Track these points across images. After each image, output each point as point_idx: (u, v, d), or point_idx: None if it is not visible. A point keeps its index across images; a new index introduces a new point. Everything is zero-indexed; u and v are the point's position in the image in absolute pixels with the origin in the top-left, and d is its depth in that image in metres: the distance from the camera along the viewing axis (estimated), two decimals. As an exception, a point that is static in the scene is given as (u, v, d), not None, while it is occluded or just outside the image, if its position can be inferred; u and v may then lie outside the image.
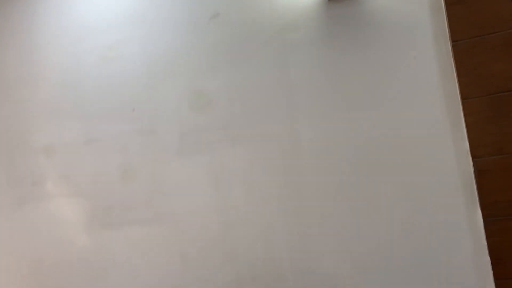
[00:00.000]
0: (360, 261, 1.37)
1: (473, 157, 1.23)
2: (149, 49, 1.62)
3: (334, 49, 1.42)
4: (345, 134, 1.40)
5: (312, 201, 1.42)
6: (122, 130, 1.61)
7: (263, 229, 1.44)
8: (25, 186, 1.71)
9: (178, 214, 1.53)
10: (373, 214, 1.37)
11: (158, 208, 1.55)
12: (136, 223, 1.57)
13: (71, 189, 1.65)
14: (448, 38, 1.29)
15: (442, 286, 1.30)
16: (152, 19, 1.63)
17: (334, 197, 1.40)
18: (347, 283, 1.37)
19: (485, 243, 1.22)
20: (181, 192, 1.54)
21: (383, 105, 1.37)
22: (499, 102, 1.21)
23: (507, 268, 1.20)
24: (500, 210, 1.20)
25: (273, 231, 1.43)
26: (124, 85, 1.64)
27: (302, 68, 1.46)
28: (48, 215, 1.66)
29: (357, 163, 1.39)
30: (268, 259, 1.43)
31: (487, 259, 1.21)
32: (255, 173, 1.48)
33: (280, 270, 1.41)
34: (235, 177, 1.49)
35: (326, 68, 1.43)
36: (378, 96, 1.37)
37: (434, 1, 1.32)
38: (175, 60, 1.59)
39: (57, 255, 1.63)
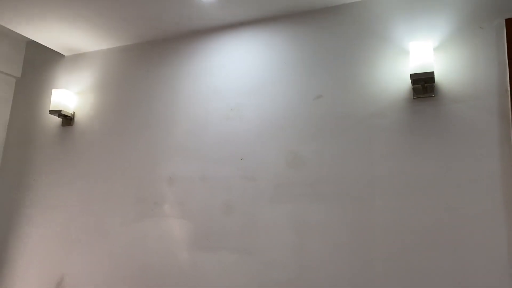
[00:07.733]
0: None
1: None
2: (262, 114, 2.06)
3: (412, 137, 1.73)
4: (412, 213, 1.67)
5: (376, 260, 1.67)
6: (230, 174, 2.03)
7: (332, 275, 1.72)
8: (147, 204, 2.17)
9: (262, 249, 1.87)
10: (427, 284, 1.58)
11: (248, 241, 1.91)
12: (228, 250, 1.93)
13: (182, 213, 2.08)
14: (511, 142, 1.55)
15: None
16: (268, 91, 2.07)
17: (399, 264, 1.64)
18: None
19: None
20: (268, 231, 1.88)
21: (448, 192, 1.63)
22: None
23: None
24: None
25: (341, 279, 1.70)
26: (238, 139, 2.07)
27: (383, 148, 1.77)
28: (162, 230, 2.10)
29: (418, 239, 1.63)
30: (333, 300, 1.69)
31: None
32: (330, 226, 1.78)
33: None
34: (313, 227, 1.81)
35: (403, 152, 1.73)
36: (444, 183, 1.64)
37: (501, 109, 1.60)
38: (280, 125, 2.00)
39: (162, 263, 2.04)
